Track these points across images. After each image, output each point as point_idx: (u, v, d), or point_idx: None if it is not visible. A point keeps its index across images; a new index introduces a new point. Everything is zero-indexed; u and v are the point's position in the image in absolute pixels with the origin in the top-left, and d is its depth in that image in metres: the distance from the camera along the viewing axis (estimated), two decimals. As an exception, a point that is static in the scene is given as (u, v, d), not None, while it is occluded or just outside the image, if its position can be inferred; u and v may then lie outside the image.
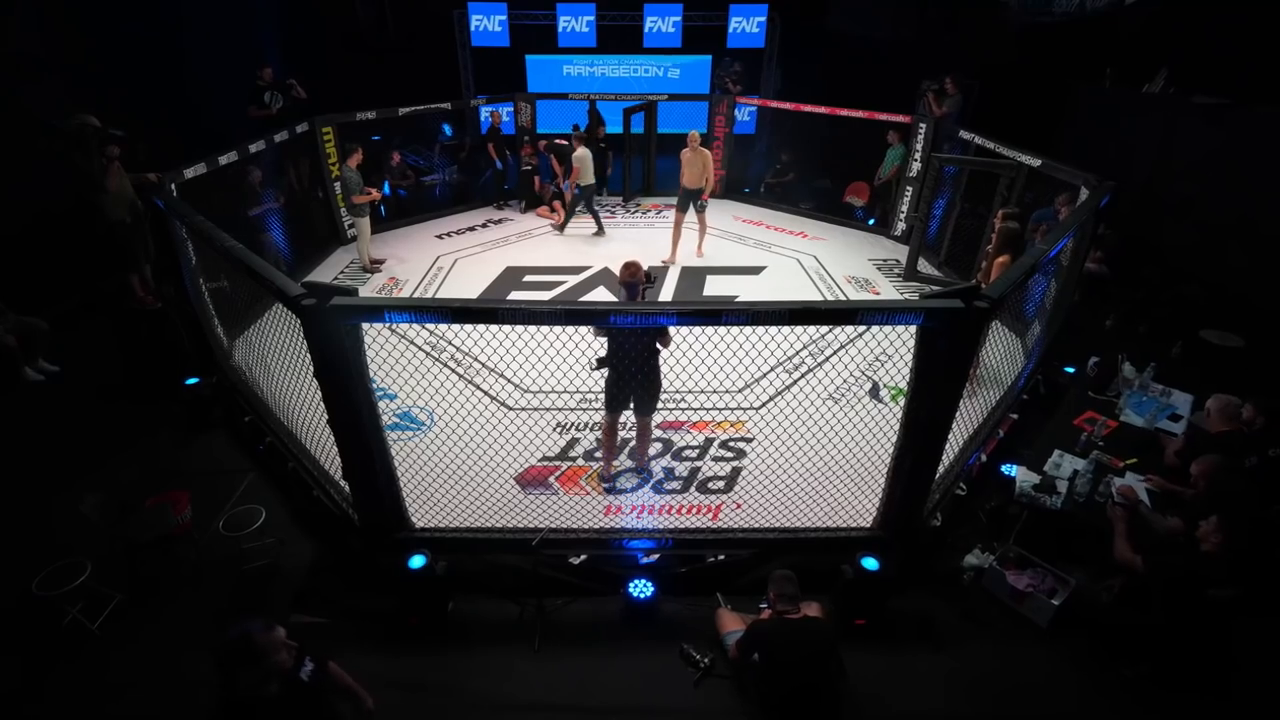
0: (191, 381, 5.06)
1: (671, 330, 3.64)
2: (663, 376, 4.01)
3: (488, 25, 11.53)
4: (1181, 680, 3.24)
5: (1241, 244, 6.42)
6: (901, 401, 3.44)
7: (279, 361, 3.95)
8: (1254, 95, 6.49)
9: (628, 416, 4.27)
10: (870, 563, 3.42)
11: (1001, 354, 4.60)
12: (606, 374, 3.96)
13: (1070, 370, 5.46)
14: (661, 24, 11.56)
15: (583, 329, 3.35)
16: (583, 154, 8.37)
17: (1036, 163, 6.25)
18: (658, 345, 3.86)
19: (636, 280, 4.06)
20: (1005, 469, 4.23)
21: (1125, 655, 3.32)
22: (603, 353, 3.91)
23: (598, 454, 4.51)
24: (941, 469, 3.81)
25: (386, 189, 9.23)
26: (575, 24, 11.55)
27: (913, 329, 3.14)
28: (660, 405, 5.00)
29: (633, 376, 3.85)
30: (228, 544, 3.83)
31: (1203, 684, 3.26)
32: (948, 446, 3.65)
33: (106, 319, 6.08)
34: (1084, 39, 8.74)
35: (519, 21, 11.56)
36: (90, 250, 6.20)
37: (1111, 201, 5.29)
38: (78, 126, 5.68)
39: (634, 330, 3.66)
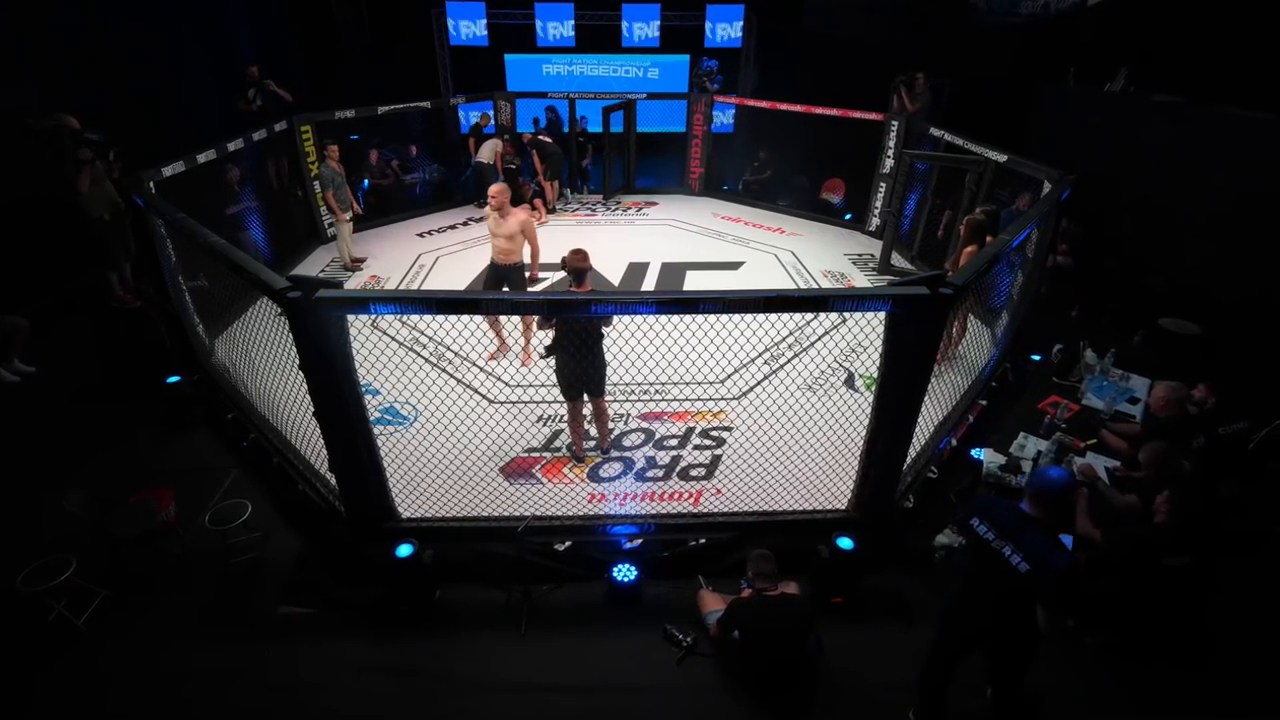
0: (173, 380, 5.04)
1: (651, 319, 3.75)
2: (645, 369, 4.12)
3: (470, 30, 11.54)
4: (1141, 646, 3.42)
5: (1198, 236, 6.69)
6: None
7: (263, 356, 3.98)
8: (1210, 94, 6.76)
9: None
10: (845, 543, 3.54)
11: (969, 342, 4.78)
12: (555, 363, 4.20)
13: (1037, 358, 5.67)
14: (646, 29, 11.66)
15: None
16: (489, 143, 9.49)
17: (1003, 158, 6.46)
18: (602, 330, 4.11)
19: (584, 267, 4.25)
20: (974, 453, 4.40)
21: (1087, 624, 3.48)
22: (549, 341, 4.16)
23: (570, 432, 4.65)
24: (913, 453, 3.97)
25: (366, 184, 9.22)
26: (559, 29, 11.61)
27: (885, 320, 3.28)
28: (642, 397, 5.14)
29: (582, 358, 4.03)
30: (213, 538, 3.85)
31: (1161, 650, 3.44)
32: (919, 432, 3.80)
33: (85, 318, 6.03)
34: (1049, 39, 9.01)
35: (498, 21, 11.58)
36: (67, 248, 6.14)
37: (1073, 195, 5.50)
38: (52, 127, 5.62)
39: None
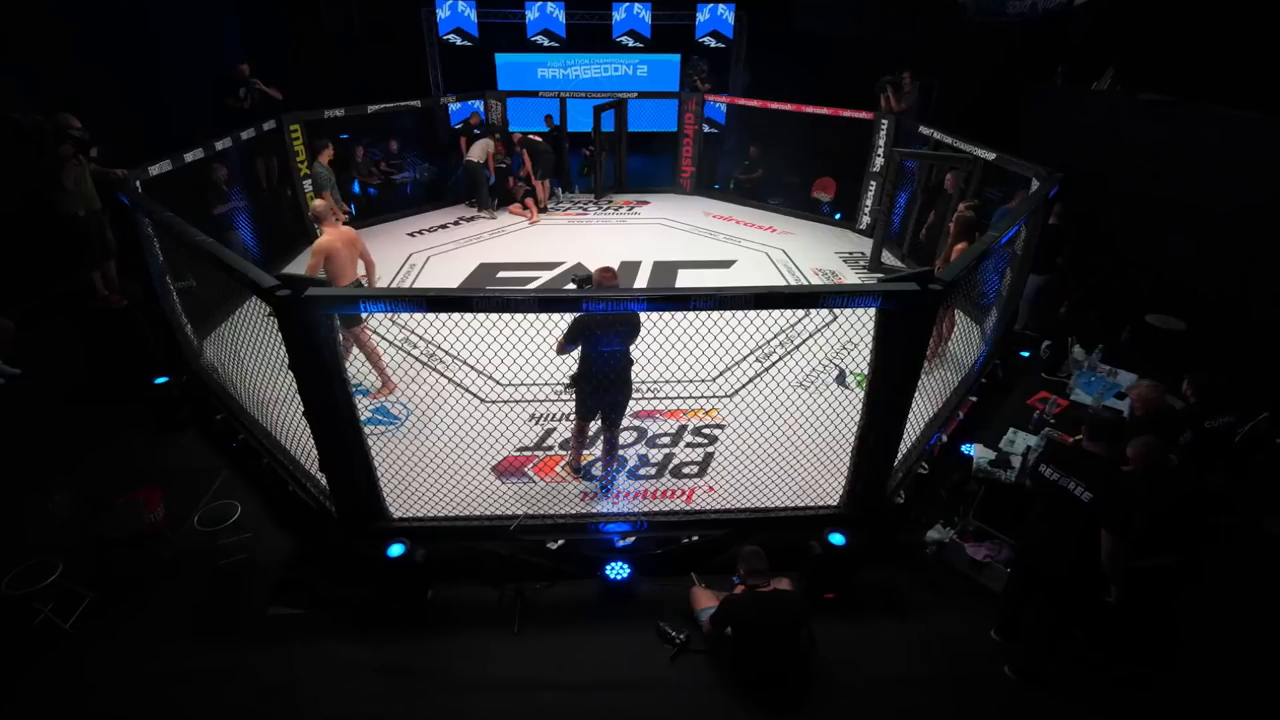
0: (160, 381, 5.00)
1: (642, 316, 3.75)
2: (638, 366, 4.10)
3: (460, 28, 11.44)
4: (1123, 639, 3.46)
5: (1183, 233, 6.77)
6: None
7: (252, 356, 3.95)
8: (1193, 93, 6.85)
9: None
10: (837, 538, 3.56)
11: (958, 339, 4.81)
12: (579, 392, 3.97)
13: (1025, 355, 5.72)
14: (636, 25, 11.61)
15: (554, 325, 3.44)
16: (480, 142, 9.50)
17: (991, 156, 6.50)
18: (631, 357, 3.88)
19: (614, 285, 3.93)
20: (964, 448, 4.42)
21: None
22: (574, 371, 3.93)
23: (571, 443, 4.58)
24: (904, 449, 3.99)
25: (356, 188, 9.18)
26: (542, 10, 11.49)
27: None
28: (634, 394, 5.13)
29: (611, 385, 3.85)
30: (203, 540, 3.82)
31: (1143, 642, 3.49)
32: (910, 428, 3.83)
33: (69, 319, 5.96)
34: (1036, 39, 9.09)
35: (488, 20, 11.53)
36: (48, 248, 6.07)
37: (1062, 193, 5.55)
38: (36, 123, 5.54)
39: (615, 339, 3.73)
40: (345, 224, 7.44)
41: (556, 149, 10.04)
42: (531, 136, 9.67)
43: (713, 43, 11.93)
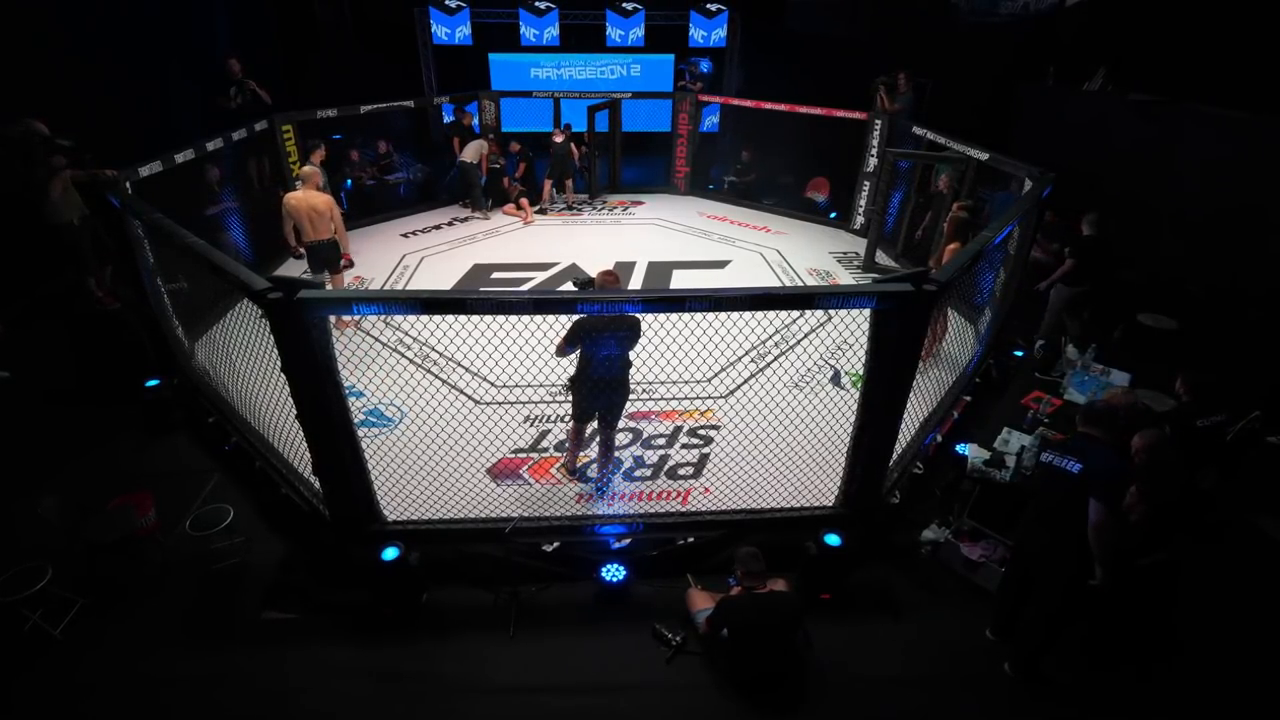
0: (152, 383, 4.95)
1: (638, 316, 3.74)
2: (633, 367, 4.09)
3: (454, 29, 11.40)
4: (1120, 638, 3.48)
5: (1174, 232, 6.81)
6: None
7: (244, 359, 3.92)
8: (1184, 92, 6.89)
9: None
10: (833, 539, 3.56)
11: (952, 339, 4.82)
12: (577, 394, 3.94)
13: (1019, 354, 5.74)
14: (628, 29, 11.61)
15: (549, 326, 3.43)
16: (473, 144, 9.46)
17: (984, 156, 6.52)
18: (630, 358, 3.86)
19: (615, 289, 3.90)
20: (959, 448, 4.43)
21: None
22: (572, 370, 3.89)
23: (568, 445, 4.57)
24: (899, 449, 4.00)
25: (350, 186, 9.13)
26: (536, 31, 11.50)
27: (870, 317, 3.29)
28: (630, 396, 5.11)
29: (608, 388, 3.82)
30: (195, 544, 3.79)
31: (1141, 642, 3.50)
32: (905, 428, 3.83)
33: (61, 322, 5.91)
34: (1028, 39, 9.13)
35: (482, 20, 11.50)
36: (38, 253, 6.02)
37: (1054, 192, 5.57)
38: (22, 133, 5.49)
39: (614, 343, 3.69)
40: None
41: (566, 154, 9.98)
42: (555, 137, 9.63)
43: (707, 42, 11.93)
